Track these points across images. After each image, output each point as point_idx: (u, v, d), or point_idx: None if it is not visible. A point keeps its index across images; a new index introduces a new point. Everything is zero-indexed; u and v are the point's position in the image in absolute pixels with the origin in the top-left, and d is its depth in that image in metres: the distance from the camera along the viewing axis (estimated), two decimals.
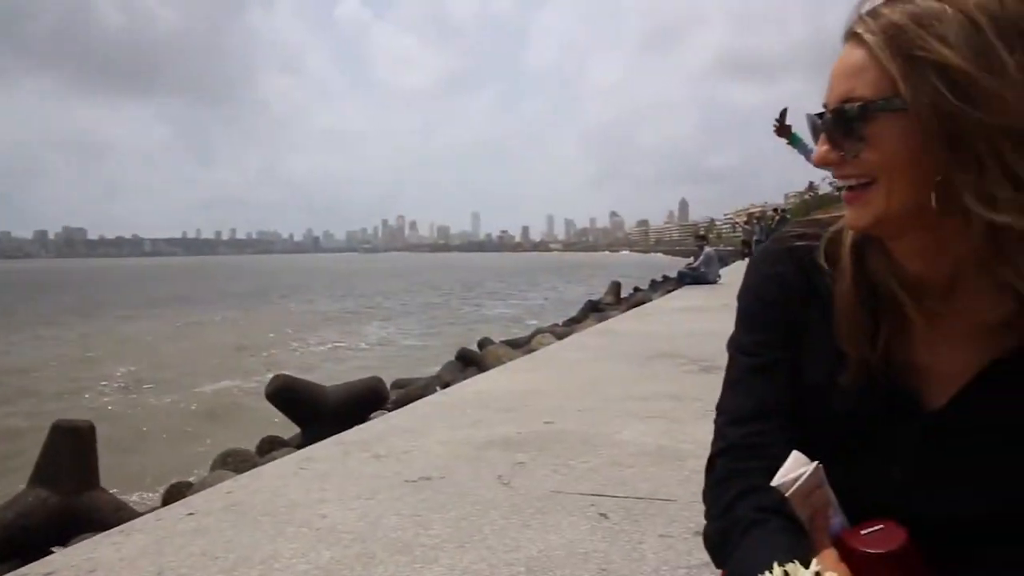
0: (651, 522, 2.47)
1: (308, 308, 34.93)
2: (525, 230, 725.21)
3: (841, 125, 0.78)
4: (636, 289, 28.86)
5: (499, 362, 8.26)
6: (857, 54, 0.77)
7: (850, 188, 0.80)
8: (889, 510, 0.82)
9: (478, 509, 2.63)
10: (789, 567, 0.71)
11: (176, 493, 5.18)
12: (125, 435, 10.16)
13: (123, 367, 16.62)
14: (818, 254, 0.92)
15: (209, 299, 42.34)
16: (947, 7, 0.72)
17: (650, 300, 18.45)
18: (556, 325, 17.64)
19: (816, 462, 0.81)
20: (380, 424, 4.19)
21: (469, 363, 11.32)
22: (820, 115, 0.81)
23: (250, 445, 7.11)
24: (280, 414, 7.42)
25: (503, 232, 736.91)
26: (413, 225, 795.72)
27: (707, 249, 17.48)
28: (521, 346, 12.51)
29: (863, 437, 0.87)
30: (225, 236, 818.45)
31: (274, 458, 4.36)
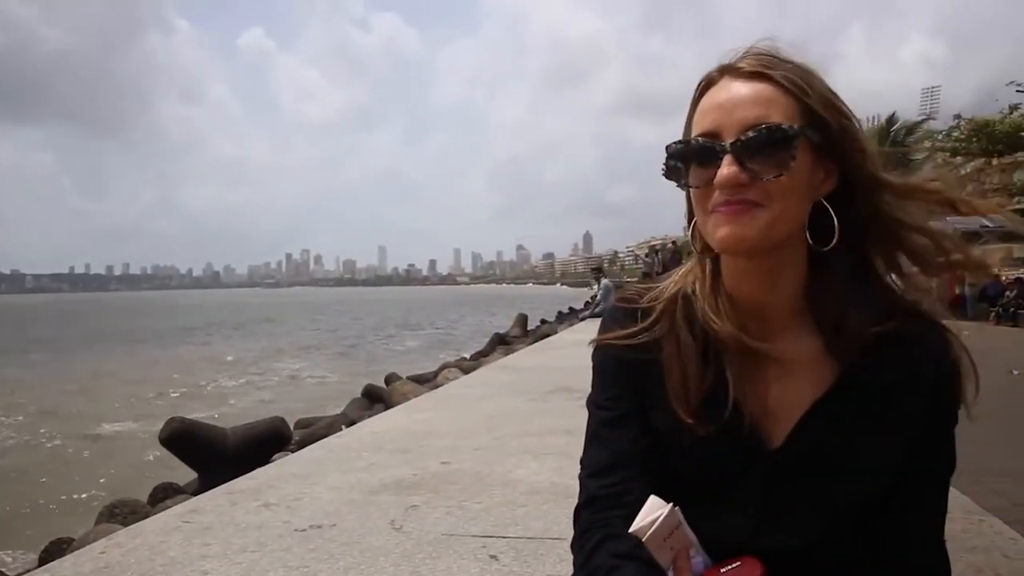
0: (540, 562, 2.50)
1: (213, 346, 33.31)
2: (432, 263, 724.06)
3: (766, 145, 0.81)
4: (543, 321, 29.22)
5: (405, 398, 8.17)
6: (765, 87, 0.83)
7: (735, 203, 0.83)
8: (745, 546, 0.87)
9: (367, 557, 2.58)
10: None
11: (55, 551, 4.81)
12: (5, 486, 9.35)
13: (5, 416, 15.28)
14: (640, 314, 0.98)
15: (103, 339, 39.54)
16: (810, 74, 0.85)
17: (555, 333, 18.74)
18: (463, 359, 17.63)
19: (671, 505, 0.85)
20: (272, 470, 4.06)
21: (375, 400, 11.15)
22: (705, 140, 0.85)
23: (146, 493, 6.68)
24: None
25: (410, 266, 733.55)
26: (318, 259, 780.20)
27: (604, 281, 17.92)
28: (428, 381, 12.42)
29: (714, 478, 0.93)
30: (118, 271, 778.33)
31: (168, 507, 4.14)
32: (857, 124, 0.86)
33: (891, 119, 27.81)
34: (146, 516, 4.38)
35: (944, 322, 0.90)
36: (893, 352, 0.87)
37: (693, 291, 0.96)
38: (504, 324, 27.18)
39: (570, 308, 36.68)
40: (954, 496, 3.65)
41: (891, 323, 0.86)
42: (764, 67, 0.84)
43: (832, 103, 0.84)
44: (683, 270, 1.00)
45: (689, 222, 0.94)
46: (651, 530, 0.83)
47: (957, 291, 20.47)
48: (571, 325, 20.98)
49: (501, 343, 20.15)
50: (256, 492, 3.44)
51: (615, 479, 0.94)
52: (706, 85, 0.88)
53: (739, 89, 0.84)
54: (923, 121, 28.83)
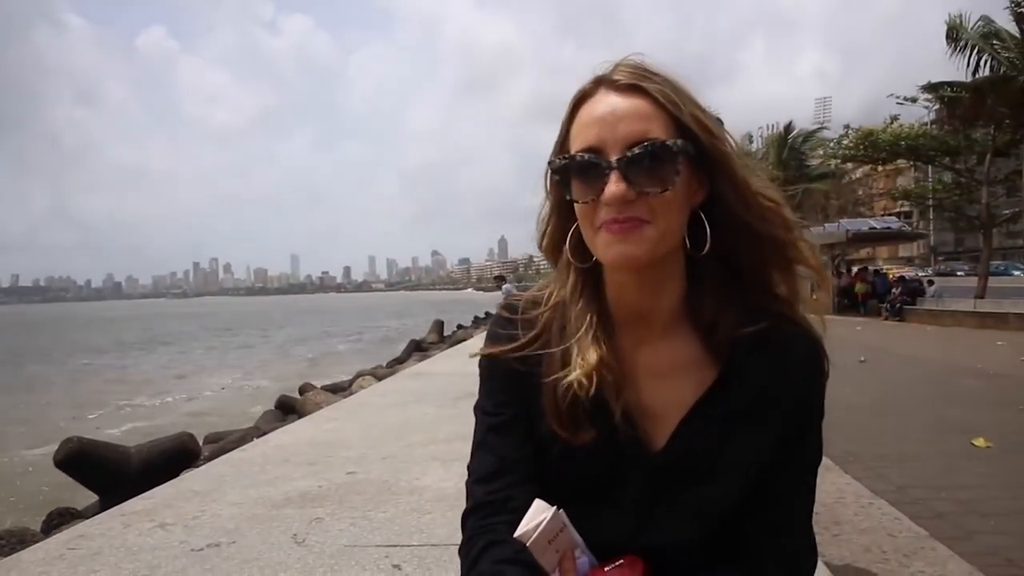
0: (443, 569, 2.50)
1: (116, 363, 31.28)
2: (347, 270, 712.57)
3: (652, 161, 0.81)
4: (459, 327, 29.25)
5: (317, 408, 8.02)
6: (642, 102, 0.84)
7: (624, 220, 0.83)
8: (628, 545, 0.90)
9: (267, 574, 2.52)
10: None
11: None
12: None
13: None
14: (521, 324, 0.98)
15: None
16: (680, 88, 0.86)
17: (471, 337, 18.78)
18: (379, 367, 17.43)
19: (555, 507, 0.86)
20: (170, 488, 3.90)
21: (289, 411, 10.88)
22: (591, 155, 0.84)
23: (39, 521, 6.25)
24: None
25: (324, 273, 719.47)
26: (228, 268, 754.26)
27: (505, 286, 18.04)
28: (342, 390, 12.23)
29: (598, 480, 0.94)
30: (5, 283, 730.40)
31: None
32: (724, 136, 0.88)
33: (788, 127, 29.29)
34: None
35: (822, 317, 0.95)
36: (764, 353, 0.90)
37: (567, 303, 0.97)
38: (423, 330, 26.93)
39: (486, 313, 36.85)
40: (847, 482, 3.86)
41: (761, 325, 0.90)
42: (638, 79, 0.85)
43: (700, 118, 0.86)
44: (560, 281, 0.99)
45: (547, 233, 0.96)
46: (535, 534, 0.84)
47: (858, 289, 21.68)
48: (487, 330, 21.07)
49: (417, 349, 20.04)
50: (151, 512, 3.31)
51: (500, 484, 0.94)
52: (581, 97, 0.89)
53: (617, 103, 0.84)
54: (818, 130, 30.45)
